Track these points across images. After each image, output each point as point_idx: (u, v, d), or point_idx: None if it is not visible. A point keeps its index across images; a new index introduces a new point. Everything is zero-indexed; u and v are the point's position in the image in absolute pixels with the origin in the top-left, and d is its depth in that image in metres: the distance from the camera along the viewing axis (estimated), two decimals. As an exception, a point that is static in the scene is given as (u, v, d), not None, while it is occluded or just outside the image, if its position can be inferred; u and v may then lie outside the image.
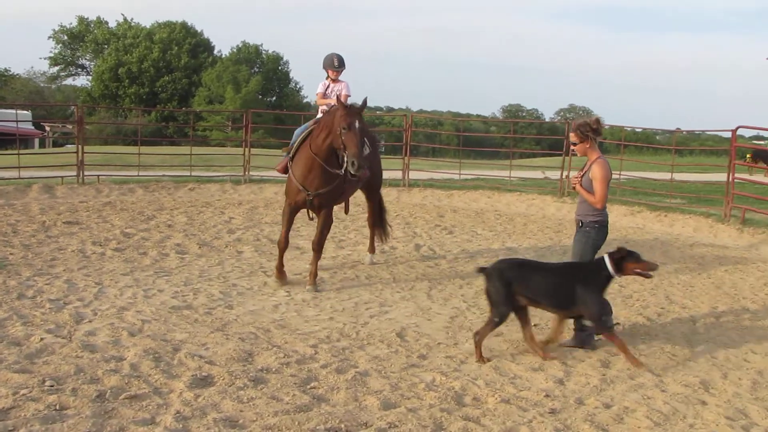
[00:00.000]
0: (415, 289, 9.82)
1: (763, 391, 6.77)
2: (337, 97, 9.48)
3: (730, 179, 17.11)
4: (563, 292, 7.24)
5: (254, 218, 15.09)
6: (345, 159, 8.82)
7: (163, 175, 20.34)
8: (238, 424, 5.24)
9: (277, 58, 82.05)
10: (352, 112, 8.82)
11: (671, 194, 20.36)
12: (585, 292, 7.10)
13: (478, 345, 7.09)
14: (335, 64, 10.37)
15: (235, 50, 79.97)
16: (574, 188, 8.07)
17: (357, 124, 8.76)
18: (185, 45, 76.76)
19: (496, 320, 7.12)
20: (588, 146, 7.82)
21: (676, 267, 12.16)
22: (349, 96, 10.31)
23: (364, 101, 9.23)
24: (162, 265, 10.55)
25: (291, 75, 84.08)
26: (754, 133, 54.47)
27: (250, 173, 20.75)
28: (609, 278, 7.19)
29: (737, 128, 17.77)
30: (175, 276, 9.91)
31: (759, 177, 22.20)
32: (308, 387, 6.08)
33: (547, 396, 6.26)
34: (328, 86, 10.53)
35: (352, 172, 8.87)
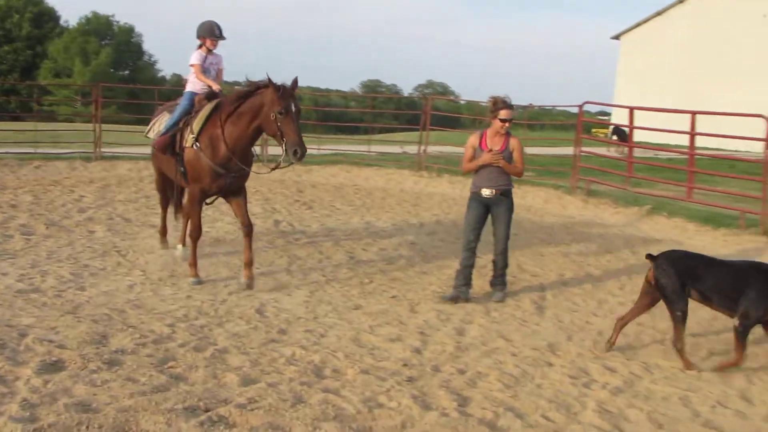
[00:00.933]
0: (274, 265, 9.84)
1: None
2: (268, 77, 8.03)
3: (577, 153, 17.77)
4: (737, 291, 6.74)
5: (107, 196, 14.64)
6: (283, 146, 7.95)
7: (6, 153, 19.10)
8: (91, 408, 5.10)
9: (129, 30, 79.88)
10: (287, 94, 7.89)
11: (520, 175, 20.89)
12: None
13: (681, 353, 6.81)
14: (216, 33, 9.28)
15: (83, 21, 77.21)
16: (496, 164, 8.50)
17: (293, 108, 7.93)
18: (26, 13, 73.19)
19: (679, 315, 6.83)
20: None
21: (527, 237, 12.60)
22: (223, 70, 9.77)
23: (295, 80, 8.24)
24: (5, 247, 10.08)
25: (145, 48, 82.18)
26: (599, 108, 56.98)
27: (102, 150, 20.09)
28: None
29: (584, 104, 18.46)
30: (21, 258, 9.50)
31: (603, 150, 23.06)
32: (166, 367, 5.98)
33: (405, 365, 6.41)
34: (206, 58, 9.38)
35: (294, 161, 8.10)
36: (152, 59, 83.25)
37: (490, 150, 8.55)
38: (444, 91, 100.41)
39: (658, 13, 37.23)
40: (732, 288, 6.71)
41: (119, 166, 18.96)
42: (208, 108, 8.75)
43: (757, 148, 15.13)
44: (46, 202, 13.72)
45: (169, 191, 10.17)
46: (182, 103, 9.31)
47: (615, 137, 27.77)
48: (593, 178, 17.23)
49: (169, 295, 8.16)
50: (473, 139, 8.94)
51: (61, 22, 78.68)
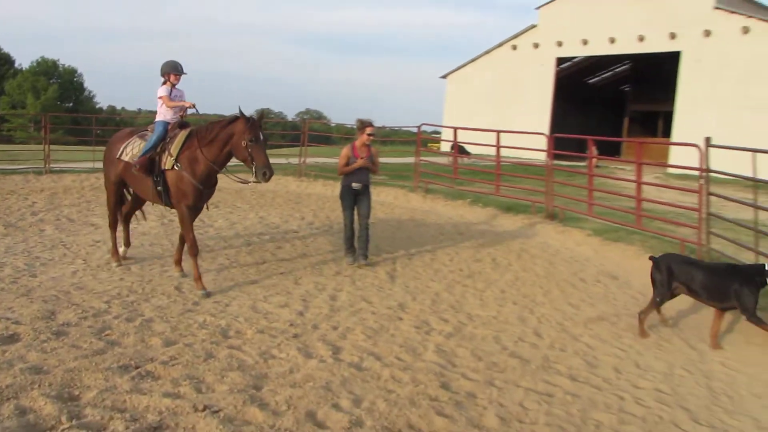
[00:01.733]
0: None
1: (441, 306, 7.27)
2: (240, 110, 7.53)
3: (417, 161, 18.00)
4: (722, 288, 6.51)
5: (54, 202, 13.87)
6: (253, 168, 7.43)
7: (-28, 169, 18.15)
8: (42, 370, 4.84)
9: (72, 71, 76.62)
10: (255, 125, 7.40)
11: (377, 173, 21.05)
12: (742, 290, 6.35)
13: (641, 321, 6.80)
14: (179, 69, 8.44)
15: (34, 63, 73.77)
16: (365, 165, 9.26)
17: (261, 136, 7.40)
18: None
19: (657, 300, 6.82)
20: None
21: (382, 225, 12.65)
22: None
23: (262, 113, 7.87)
24: (-28, 244, 9.43)
25: (85, 85, 78.99)
26: (432, 129, 59.32)
27: (51, 165, 19.09)
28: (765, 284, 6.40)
29: (421, 125, 18.75)
30: (-15, 252, 8.89)
31: (436, 159, 23.46)
32: (103, 335, 5.74)
33: (291, 325, 6.34)
34: (171, 91, 8.42)
35: (263, 181, 7.49)
36: (91, 94, 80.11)
37: (362, 157, 9.18)
38: (319, 116, 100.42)
39: (473, 60, 38.09)
40: (717, 286, 6.49)
41: (65, 178, 18.03)
42: (182, 135, 7.96)
43: (542, 156, 15.68)
44: (4, 207, 12.86)
45: (117, 210, 9.00)
46: (157, 130, 8.24)
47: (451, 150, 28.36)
48: (429, 180, 17.46)
49: (106, 278, 7.76)
50: (346, 150, 9.38)
51: (16, 65, 74.88)
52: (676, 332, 7.01)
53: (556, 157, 14.59)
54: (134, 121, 61.66)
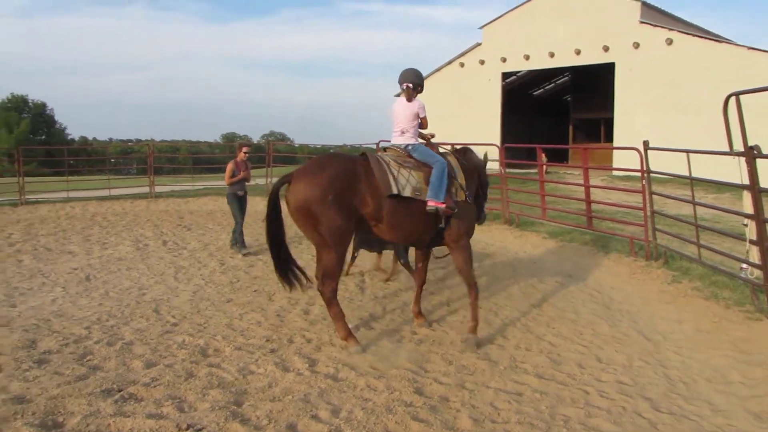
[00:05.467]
0: (165, 274, 9.28)
1: (410, 315, 7.16)
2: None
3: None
4: None
5: (31, 232, 13.46)
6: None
7: (-52, 204, 17.63)
8: (25, 400, 4.62)
9: (41, 105, 75.11)
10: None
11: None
12: None
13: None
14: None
15: (5, 100, 72.29)
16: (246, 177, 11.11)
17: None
18: None
19: None
20: None
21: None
22: None
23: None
24: (-50, 277, 9.08)
25: (56, 118, 77.51)
26: (389, 144, 59.41)
27: (26, 197, 18.62)
28: None
29: (379, 141, 18.80)
30: (-37, 285, 8.57)
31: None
32: (85, 360, 5.53)
33: (267, 340, 6.20)
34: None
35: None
36: (62, 126, 78.51)
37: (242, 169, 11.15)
38: (282, 137, 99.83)
39: (424, 78, 38.26)
40: None
41: (40, 208, 17.56)
42: (454, 162, 6.64)
43: (495, 166, 15.73)
44: (-18, 240, 12.47)
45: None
46: (438, 158, 6.35)
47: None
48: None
49: (85, 305, 7.52)
50: (231, 165, 11.13)
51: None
52: (631, 325, 7.05)
53: (508, 165, 14.68)
54: (105, 151, 60.52)
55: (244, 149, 11.37)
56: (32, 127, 70.49)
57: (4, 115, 67.28)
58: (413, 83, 6.51)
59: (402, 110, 6.50)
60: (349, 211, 5.80)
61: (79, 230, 13.80)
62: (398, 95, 6.90)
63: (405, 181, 6.04)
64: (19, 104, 72.65)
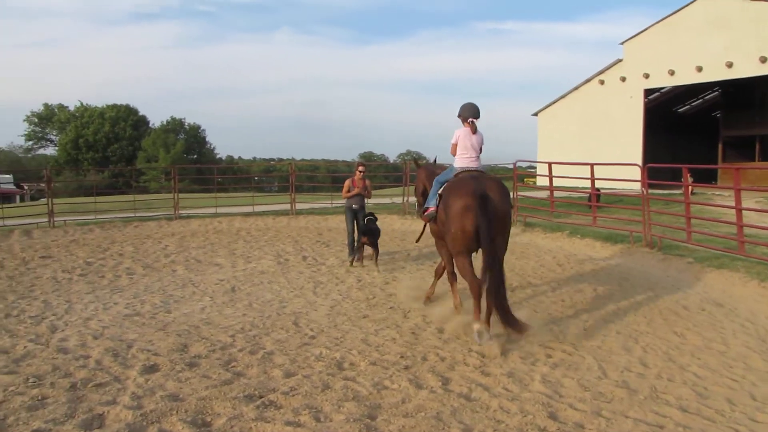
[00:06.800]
0: (304, 289, 9.67)
1: (544, 337, 6.98)
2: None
3: (515, 196, 17.71)
4: None
5: (184, 245, 14.54)
6: None
7: (115, 217, 19.50)
8: (179, 398, 5.01)
9: (196, 127, 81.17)
10: None
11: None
12: None
13: None
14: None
15: (165, 123, 78.76)
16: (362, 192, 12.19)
17: None
18: (129, 121, 75.78)
19: None
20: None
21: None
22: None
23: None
24: (116, 284, 10.02)
25: (207, 139, 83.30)
26: (527, 164, 58.03)
27: (179, 212, 20.10)
28: None
29: (516, 162, 18.57)
30: (126, 291, 9.41)
31: (534, 193, 23.02)
32: (230, 366, 5.88)
33: (401, 357, 6.26)
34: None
35: None
36: (212, 146, 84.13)
37: (358, 186, 12.11)
38: (419, 157, 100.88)
39: (562, 97, 37.40)
40: None
41: (192, 223, 18.94)
42: None
43: (636, 186, 15.10)
44: (143, 250, 13.63)
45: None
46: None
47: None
48: (528, 214, 17.15)
49: (230, 314, 8.01)
50: (348, 182, 12.17)
51: (150, 124, 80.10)
52: (789, 360, 6.47)
53: (651, 186, 14.02)
54: (250, 169, 64.04)
55: (360, 168, 12.34)
56: (186, 147, 76.07)
57: (163, 136, 73.10)
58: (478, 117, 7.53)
59: (477, 139, 7.50)
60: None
61: (225, 244, 14.69)
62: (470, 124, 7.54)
63: None
64: (176, 126, 78.85)
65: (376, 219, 11.94)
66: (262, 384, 5.41)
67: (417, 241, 10.08)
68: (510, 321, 6.33)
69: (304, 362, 6.07)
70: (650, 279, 10.55)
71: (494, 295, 6.33)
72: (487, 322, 6.68)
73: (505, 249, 7.04)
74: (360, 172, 12.24)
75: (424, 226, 8.66)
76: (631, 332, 7.36)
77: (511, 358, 6.32)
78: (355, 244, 11.97)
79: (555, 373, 5.90)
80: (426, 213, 7.74)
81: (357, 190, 12.12)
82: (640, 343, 6.96)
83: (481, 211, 6.44)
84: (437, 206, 7.36)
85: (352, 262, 11.72)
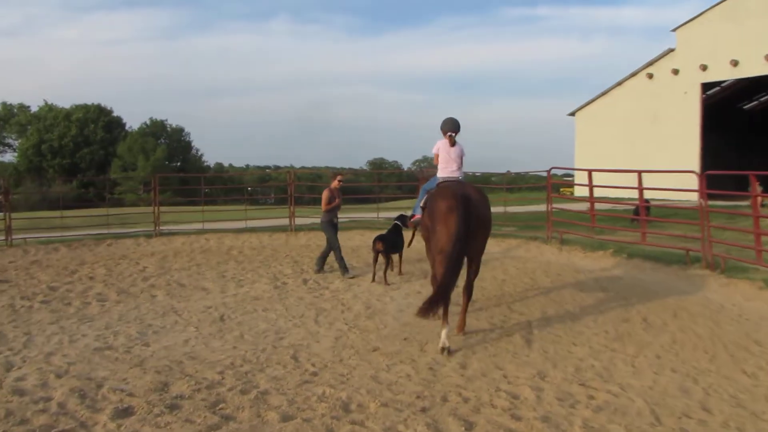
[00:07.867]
0: (304, 317, 9.66)
1: (586, 374, 6.93)
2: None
3: (549, 209, 17.66)
4: None
5: (165, 266, 14.59)
6: None
7: (85, 234, 19.62)
8: (156, 448, 4.98)
9: (179, 131, 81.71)
10: None
11: (506, 224, 20.86)
12: None
13: None
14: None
15: (144, 125, 79.26)
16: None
17: None
18: (100, 122, 75.98)
19: None
20: None
21: (514, 282, 12.40)
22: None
23: None
24: (85, 312, 10.04)
25: (192, 144, 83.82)
26: (564, 172, 57.10)
27: (160, 228, 20.19)
28: None
29: (551, 169, 18.50)
30: (97, 321, 9.43)
31: (571, 205, 22.96)
32: (217, 408, 5.85)
33: (418, 397, 6.22)
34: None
35: None
36: (199, 152, 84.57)
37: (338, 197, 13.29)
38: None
39: (603, 93, 37.40)
40: None
41: (175, 240, 19.05)
42: None
43: (693, 197, 15.01)
44: (117, 273, 13.69)
45: None
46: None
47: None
48: (564, 230, 17.08)
49: (218, 347, 8.00)
50: (327, 192, 13.19)
51: (127, 127, 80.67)
52: None
53: (711, 197, 13.92)
54: (242, 178, 64.31)
55: (339, 177, 13.72)
56: (168, 154, 76.58)
57: (141, 140, 73.62)
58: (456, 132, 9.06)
59: (456, 151, 9.03)
60: None
61: (213, 265, 14.72)
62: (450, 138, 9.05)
63: None
64: (157, 129, 79.38)
65: (403, 223, 12.99)
66: (255, 429, 5.39)
67: (408, 245, 12.85)
68: (432, 305, 7.33)
69: (304, 403, 6.03)
70: (711, 307, 10.43)
71: (466, 290, 8.80)
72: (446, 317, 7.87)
73: (482, 254, 8.83)
74: (339, 182, 13.54)
75: (413, 232, 11.43)
76: (689, 370, 7.26)
77: (547, 399, 6.24)
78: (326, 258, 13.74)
79: (599, 418, 5.82)
80: (412, 219, 9.77)
81: (338, 201, 13.38)
82: (700, 383, 6.85)
83: (463, 209, 7.71)
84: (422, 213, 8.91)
85: (349, 277, 12.99)
